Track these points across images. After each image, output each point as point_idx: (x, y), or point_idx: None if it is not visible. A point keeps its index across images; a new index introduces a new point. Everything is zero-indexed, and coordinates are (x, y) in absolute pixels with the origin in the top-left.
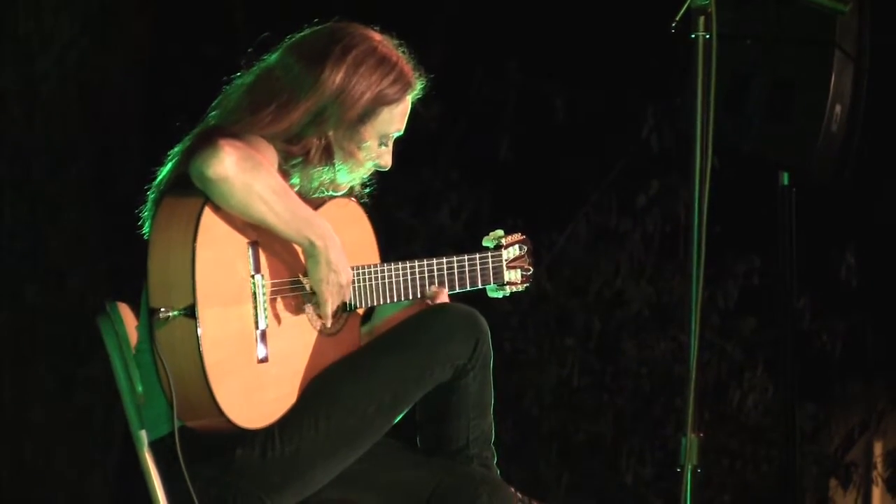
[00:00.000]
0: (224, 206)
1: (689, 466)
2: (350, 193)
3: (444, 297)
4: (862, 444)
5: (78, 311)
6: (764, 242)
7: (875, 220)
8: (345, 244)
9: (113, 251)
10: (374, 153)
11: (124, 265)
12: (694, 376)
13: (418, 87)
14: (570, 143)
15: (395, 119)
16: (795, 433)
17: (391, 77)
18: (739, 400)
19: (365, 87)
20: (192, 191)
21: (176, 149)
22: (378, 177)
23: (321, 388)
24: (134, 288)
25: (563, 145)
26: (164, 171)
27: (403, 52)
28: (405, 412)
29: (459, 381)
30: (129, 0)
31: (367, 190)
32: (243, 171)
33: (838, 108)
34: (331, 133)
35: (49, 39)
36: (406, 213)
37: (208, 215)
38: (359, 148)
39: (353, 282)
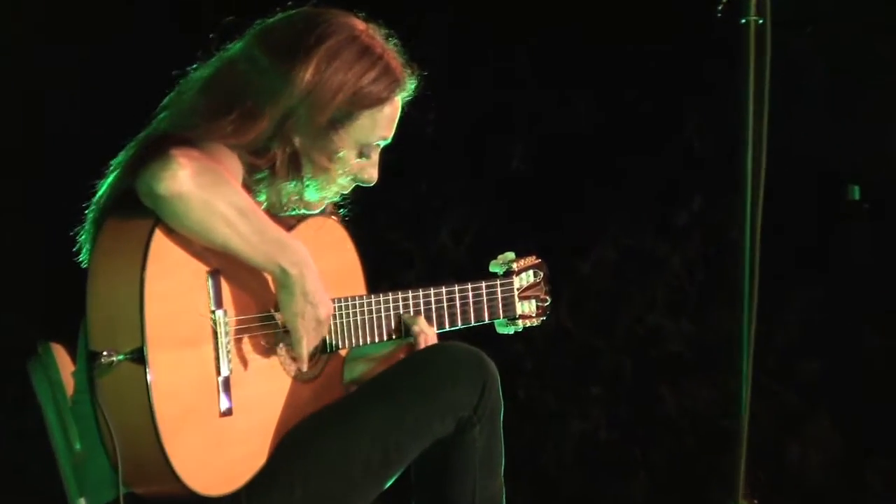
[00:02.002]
0: (179, 229)
1: None
2: (325, 211)
3: (427, 336)
4: None
5: (9, 352)
6: (830, 268)
7: None
8: (325, 272)
9: (47, 282)
10: (351, 166)
11: (59, 298)
12: (746, 430)
13: (409, 86)
14: (595, 151)
15: (378, 125)
16: (867, 496)
17: (373, 73)
18: (800, 457)
19: (338, 84)
20: (139, 210)
21: (118, 158)
22: (363, 191)
23: (297, 445)
24: (71, 326)
25: (586, 153)
26: (105, 185)
27: (395, 44)
28: (398, 473)
29: (463, 436)
30: None
31: (343, 211)
32: (202, 186)
33: None
34: (297, 141)
35: None
36: (398, 233)
37: (160, 240)
38: (331, 160)
39: (335, 317)
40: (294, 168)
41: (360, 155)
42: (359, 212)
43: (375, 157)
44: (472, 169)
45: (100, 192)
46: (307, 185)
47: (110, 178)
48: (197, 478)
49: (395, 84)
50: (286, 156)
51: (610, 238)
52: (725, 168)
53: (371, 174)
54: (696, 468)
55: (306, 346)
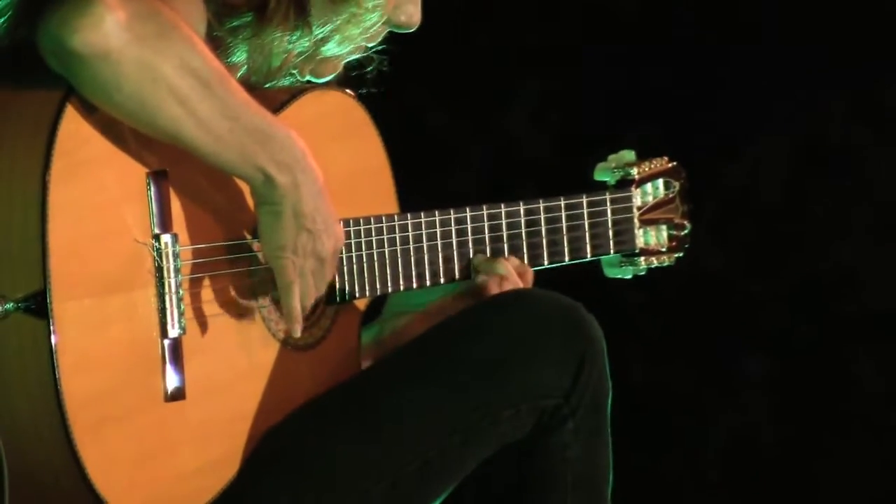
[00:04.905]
0: (104, 106)
1: None
2: (340, 81)
3: (524, 280)
4: None
5: None
6: None
7: None
8: (334, 177)
9: None
10: (385, 3)
11: None
12: None
13: None
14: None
15: None
16: None
17: None
18: None
19: None
20: (41, 77)
21: None
22: (395, 48)
23: (286, 448)
24: None
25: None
26: None
27: None
28: (444, 495)
29: (549, 439)
30: None
31: (371, 68)
32: (141, 39)
33: None
34: None
35: None
36: (444, 115)
37: (74, 123)
38: None
39: (347, 248)
40: (298, 11)
41: None
42: (389, 81)
43: None
44: (561, 18)
45: None
46: (322, 37)
47: None
48: (125, 496)
49: None
50: None
51: (776, 127)
52: None
53: (411, 14)
54: None
55: (297, 297)
